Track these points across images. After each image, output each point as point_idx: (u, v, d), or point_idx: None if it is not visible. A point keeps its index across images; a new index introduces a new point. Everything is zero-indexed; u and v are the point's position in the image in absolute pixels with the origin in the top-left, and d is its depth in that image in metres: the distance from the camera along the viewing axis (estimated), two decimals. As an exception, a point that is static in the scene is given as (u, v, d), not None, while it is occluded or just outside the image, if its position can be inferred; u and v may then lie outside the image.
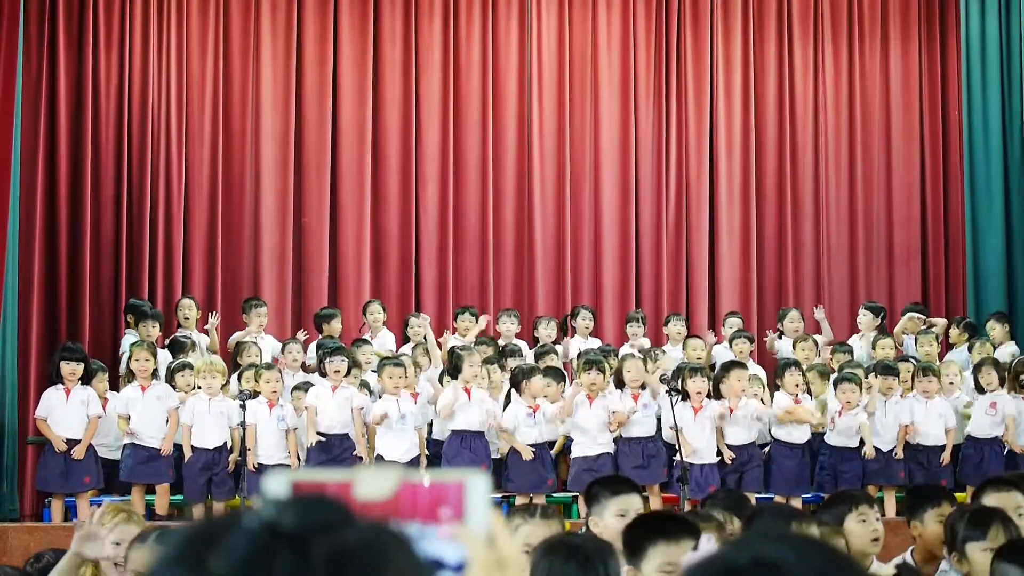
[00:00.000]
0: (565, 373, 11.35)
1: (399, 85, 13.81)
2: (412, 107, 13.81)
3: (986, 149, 14.48)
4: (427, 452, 10.80)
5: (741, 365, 11.19)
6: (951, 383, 11.49)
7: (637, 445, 10.71)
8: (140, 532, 4.68)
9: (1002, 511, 4.81)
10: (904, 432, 11.08)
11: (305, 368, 11.71)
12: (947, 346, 13.07)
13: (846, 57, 14.65)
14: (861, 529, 5.39)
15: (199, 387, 10.57)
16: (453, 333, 12.25)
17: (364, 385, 10.94)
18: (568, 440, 11.05)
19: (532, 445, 10.61)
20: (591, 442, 10.64)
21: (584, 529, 5.16)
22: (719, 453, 10.76)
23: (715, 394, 10.89)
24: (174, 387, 10.65)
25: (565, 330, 12.93)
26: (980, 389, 11.34)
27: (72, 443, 10.31)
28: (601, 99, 14.14)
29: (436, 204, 13.82)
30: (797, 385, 10.97)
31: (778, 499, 10.56)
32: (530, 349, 12.32)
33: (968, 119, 14.55)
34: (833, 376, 11.41)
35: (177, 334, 11.94)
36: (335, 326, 12.31)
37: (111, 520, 4.74)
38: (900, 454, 11.05)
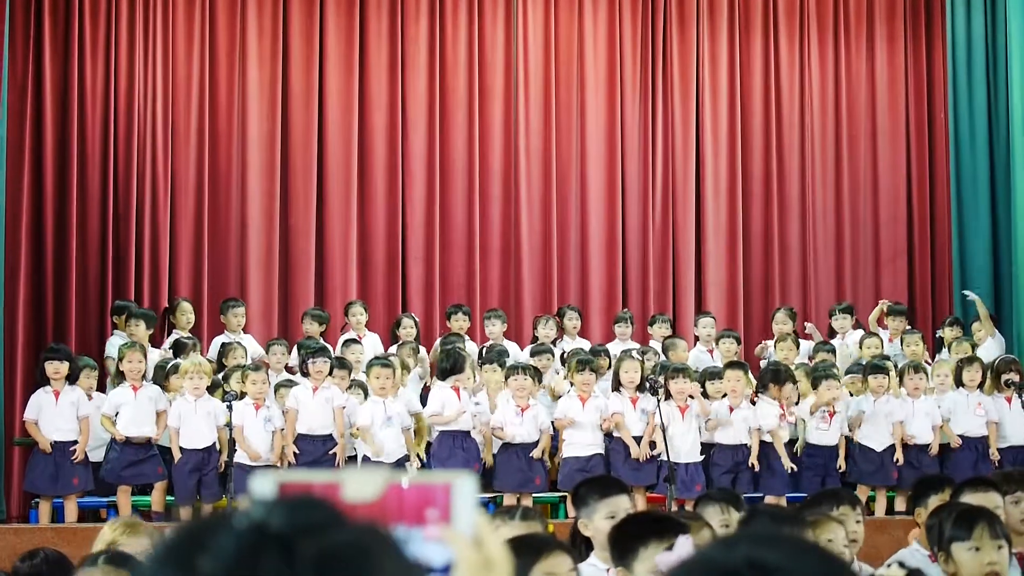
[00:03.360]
0: (541, 371, 11.33)
1: (385, 85, 13.80)
2: (398, 107, 13.80)
3: (972, 149, 14.52)
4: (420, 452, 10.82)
5: (739, 365, 11.19)
6: (942, 384, 11.47)
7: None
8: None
9: (988, 510, 4.82)
10: (900, 432, 11.09)
11: (289, 369, 11.70)
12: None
13: (832, 56, 14.68)
14: None
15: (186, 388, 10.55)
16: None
17: (359, 386, 10.92)
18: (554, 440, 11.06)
19: (520, 444, 10.61)
20: (582, 443, 10.64)
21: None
22: (703, 452, 10.78)
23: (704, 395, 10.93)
24: (165, 388, 10.62)
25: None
26: (960, 386, 11.39)
27: (62, 444, 10.28)
28: (587, 98, 14.15)
29: (422, 204, 13.81)
30: (787, 398, 10.98)
31: (768, 499, 10.56)
32: (521, 350, 12.33)
33: (954, 119, 14.58)
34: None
35: (180, 335, 11.89)
36: (307, 326, 12.30)
37: (119, 535, 4.76)
38: (899, 458, 11.03)
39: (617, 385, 10.88)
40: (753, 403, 11.01)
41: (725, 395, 10.89)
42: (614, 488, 5.06)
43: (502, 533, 4.50)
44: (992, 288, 14.32)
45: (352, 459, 10.54)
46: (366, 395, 10.75)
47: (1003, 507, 5.37)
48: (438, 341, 12.14)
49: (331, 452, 10.47)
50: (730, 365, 11.19)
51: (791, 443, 11.04)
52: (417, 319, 12.69)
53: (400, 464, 10.34)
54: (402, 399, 10.67)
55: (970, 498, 5.33)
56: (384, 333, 12.72)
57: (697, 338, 12.98)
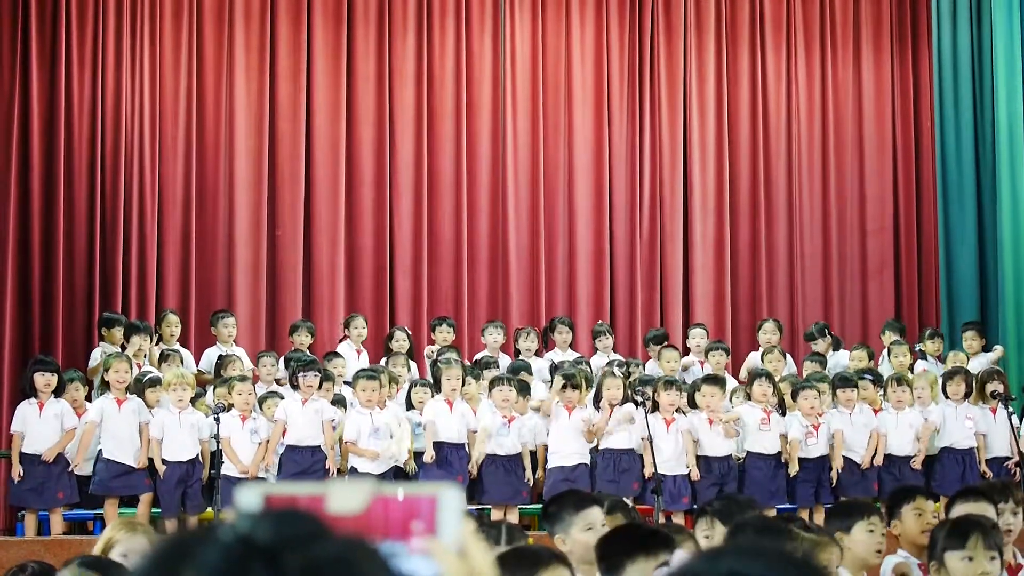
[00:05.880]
0: (530, 385, 11.33)
1: (373, 98, 13.79)
2: (386, 120, 13.79)
3: (958, 159, 14.57)
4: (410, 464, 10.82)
5: (714, 380, 11.18)
6: (919, 396, 11.47)
7: (611, 457, 10.68)
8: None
9: (983, 521, 4.82)
10: (876, 442, 11.10)
11: (279, 382, 11.67)
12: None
13: (819, 68, 14.71)
14: (868, 539, 5.36)
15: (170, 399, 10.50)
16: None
17: (338, 400, 10.91)
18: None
19: (506, 456, 10.60)
20: (566, 451, 10.62)
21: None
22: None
23: (691, 407, 10.92)
24: (144, 401, 10.58)
25: (546, 342, 12.90)
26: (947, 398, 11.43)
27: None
28: (575, 111, 14.16)
29: (410, 217, 13.80)
30: (764, 395, 10.98)
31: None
32: (511, 360, 12.32)
33: (940, 129, 14.63)
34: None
35: (164, 347, 11.85)
36: (301, 338, 12.28)
37: (120, 534, 4.79)
38: (867, 463, 11.05)
39: (599, 401, 10.84)
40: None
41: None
42: (587, 501, 5.06)
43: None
44: (978, 298, 14.37)
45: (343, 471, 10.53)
46: (344, 408, 10.75)
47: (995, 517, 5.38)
48: (435, 351, 12.16)
49: (321, 464, 10.44)
50: (707, 380, 11.17)
51: (778, 456, 11.02)
52: (409, 331, 12.66)
53: (388, 476, 10.33)
54: (391, 410, 10.67)
55: (962, 509, 5.33)
56: (373, 345, 12.70)
57: (688, 349, 12.97)
